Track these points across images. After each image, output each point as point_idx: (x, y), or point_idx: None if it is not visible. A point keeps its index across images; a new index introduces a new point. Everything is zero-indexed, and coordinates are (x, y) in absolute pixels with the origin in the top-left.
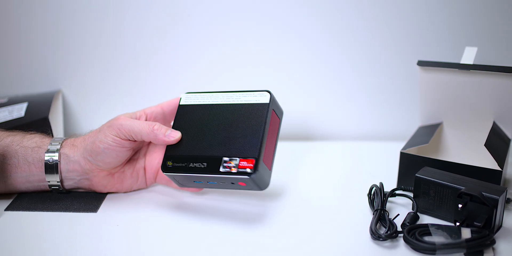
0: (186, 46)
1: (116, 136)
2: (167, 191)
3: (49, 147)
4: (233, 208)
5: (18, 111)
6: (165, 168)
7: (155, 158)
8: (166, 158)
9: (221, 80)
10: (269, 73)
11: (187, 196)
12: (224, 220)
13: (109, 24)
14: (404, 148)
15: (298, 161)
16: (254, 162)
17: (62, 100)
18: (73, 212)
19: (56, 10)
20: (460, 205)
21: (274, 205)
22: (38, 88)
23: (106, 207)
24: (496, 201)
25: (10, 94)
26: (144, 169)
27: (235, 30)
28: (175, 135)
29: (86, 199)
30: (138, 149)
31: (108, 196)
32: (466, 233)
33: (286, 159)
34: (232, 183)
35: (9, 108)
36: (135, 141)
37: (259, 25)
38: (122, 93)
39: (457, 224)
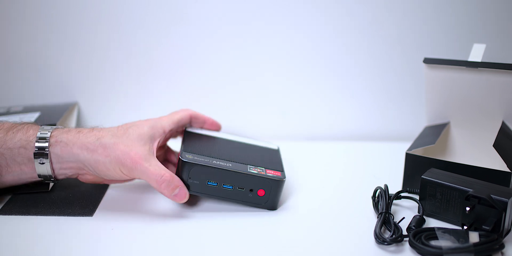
0: (203, 56)
1: (121, 172)
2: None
3: (36, 145)
4: (233, 213)
5: (29, 118)
6: (184, 157)
7: None
8: (184, 150)
9: (232, 83)
10: (271, 72)
11: None
12: (222, 229)
13: (129, 40)
14: (409, 148)
15: (299, 161)
16: (281, 173)
17: (78, 113)
18: (68, 216)
19: (80, 24)
20: (467, 208)
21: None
22: (57, 100)
23: (102, 211)
24: (505, 204)
25: (27, 104)
26: None
27: (238, 27)
28: (182, 197)
29: (82, 203)
30: None
31: (103, 199)
32: (474, 237)
33: (288, 159)
34: (251, 190)
35: (21, 115)
36: None
37: (260, 22)
38: (140, 112)
39: (465, 227)
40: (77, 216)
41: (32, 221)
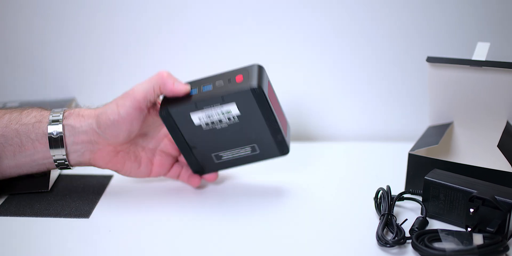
0: (202, 55)
1: (130, 107)
2: (161, 195)
3: (50, 118)
4: (233, 213)
5: None
6: (161, 113)
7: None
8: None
9: None
10: (272, 71)
11: (183, 200)
12: (223, 226)
13: (126, 34)
14: (412, 149)
15: (300, 162)
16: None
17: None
18: (64, 217)
19: (76, 18)
20: (471, 210)
21: (275, 209)
22: (54, 95)
23: (98, 212)
24: (510, 205)
25: (23, 99)
26: (152, 162)
27: (238, 27)
28: (182, 88)
29: (78, 204)
30: (148, 127)
31: (100, 201)
32: (478, 239)
33: (288, 160)
34: (229, 80)
35: None
36: (148, 110)
37: (261, 20)
38: None
39: (469, 229)
40: (74, 217)
41: (28, 222)
